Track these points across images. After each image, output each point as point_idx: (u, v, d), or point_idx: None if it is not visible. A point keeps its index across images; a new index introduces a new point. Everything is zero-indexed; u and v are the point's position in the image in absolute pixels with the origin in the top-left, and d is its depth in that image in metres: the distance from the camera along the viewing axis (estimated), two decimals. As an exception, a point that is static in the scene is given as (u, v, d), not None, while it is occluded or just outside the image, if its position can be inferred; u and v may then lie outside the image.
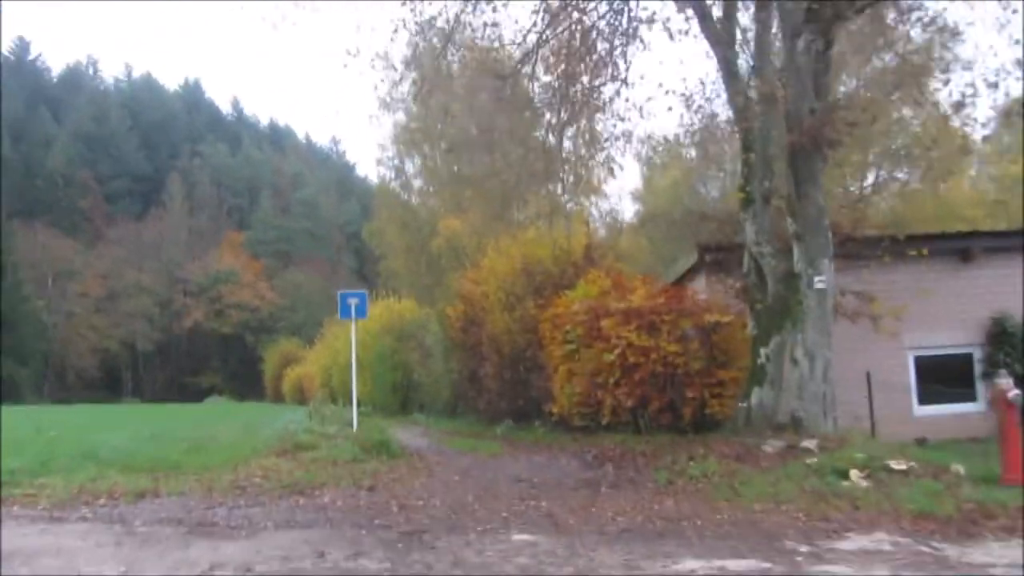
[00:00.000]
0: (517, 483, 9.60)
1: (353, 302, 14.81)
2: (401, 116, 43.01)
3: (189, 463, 10.54)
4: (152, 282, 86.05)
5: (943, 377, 14.71)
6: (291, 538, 6.40)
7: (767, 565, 5.55)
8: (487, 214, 35.26)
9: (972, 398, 14.72)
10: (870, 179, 27.43)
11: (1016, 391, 7.82)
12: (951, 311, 14.36)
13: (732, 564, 5.58)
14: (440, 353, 21.92)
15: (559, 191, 31.16)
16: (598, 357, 12.46)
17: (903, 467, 8.34)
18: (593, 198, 36.82)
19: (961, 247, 14.47)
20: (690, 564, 5.61)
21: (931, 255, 13.51)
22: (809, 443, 9.62)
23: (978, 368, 14.69)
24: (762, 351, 11.24)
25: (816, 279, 10.41)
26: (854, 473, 8.22)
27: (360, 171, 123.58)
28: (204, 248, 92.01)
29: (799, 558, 5.75)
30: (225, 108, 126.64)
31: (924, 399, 14.60)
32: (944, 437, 13.66)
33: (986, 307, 14.53)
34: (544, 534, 6.61)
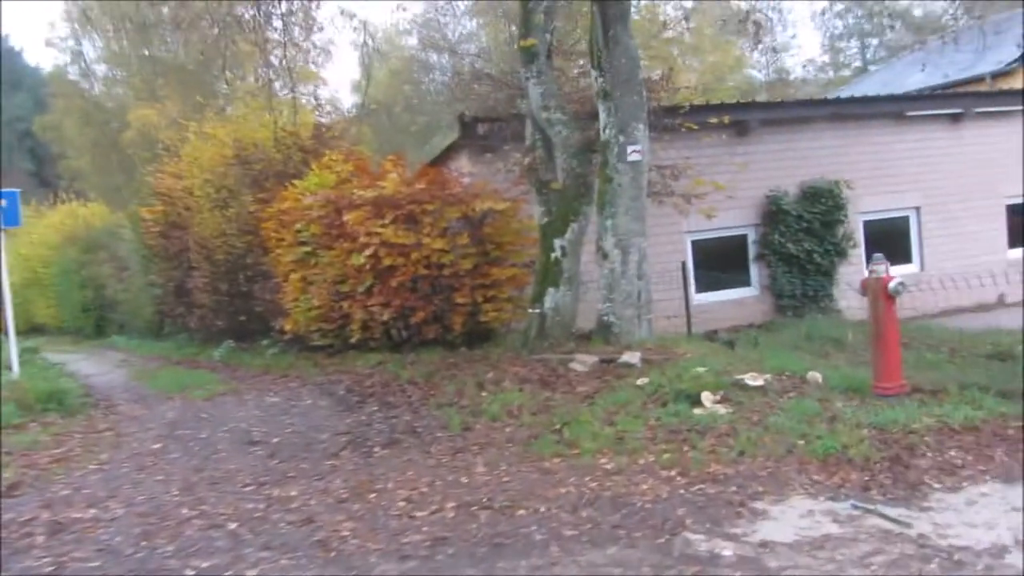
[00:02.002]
0: (248, 448, 6.76)
1: (-2, 204, 10.80)
2: (73, -13, 36.44)
3: None
4: None
5: (719, 262, 13.61)
6: None
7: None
8: (186, 103, 30.52)
9: (747, 283, 13.79)
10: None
11: (897, 279, 6.18)
12: (727, 189, 13.07)
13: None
14: (138, 264, 18.27)
15: (271, 76, 27.35)
16: (342, 260, 10.16)
17: (759, 382, 6.55)
18: (311, 86, 33.56)
19: (737, 120, 13.07)
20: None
21: (703, 129, 11.94)
22: (630, 356, 7.62)
23: (752, 250, 13.72)
24: (556, 243, 9.01)
25: (630, 149, 8.19)
26: (707, 397, 6.28)
27: (29, 59, 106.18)
28: None
29: (727, 571, 3.56)
30: None
31: (700, 286, 13.40)
32: (723, 326, 12.63)
33: (762, 185, 13.46)
34: (306, 571, 3.93)
